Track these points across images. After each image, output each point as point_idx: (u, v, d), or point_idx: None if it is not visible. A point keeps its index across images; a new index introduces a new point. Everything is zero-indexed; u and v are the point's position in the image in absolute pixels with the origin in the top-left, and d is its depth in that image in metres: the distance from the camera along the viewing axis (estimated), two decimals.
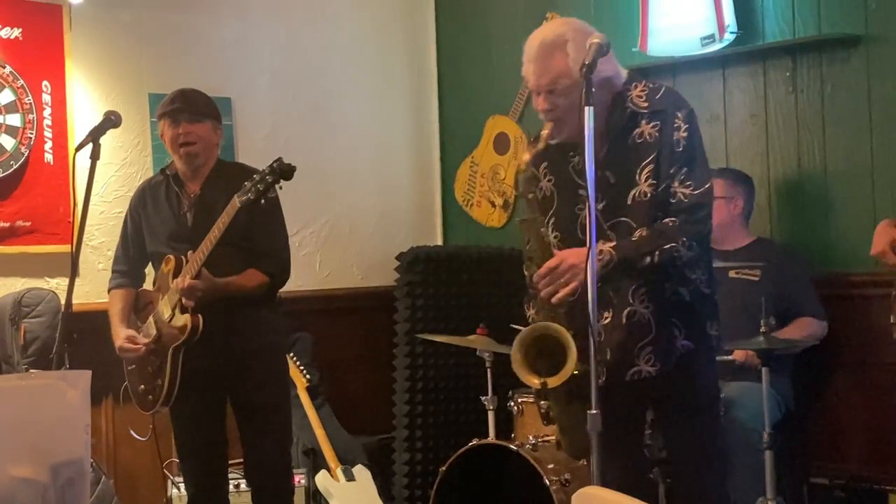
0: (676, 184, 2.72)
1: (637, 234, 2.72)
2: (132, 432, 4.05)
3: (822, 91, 4.15)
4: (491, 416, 4.12)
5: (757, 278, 3.97)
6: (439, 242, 5.54)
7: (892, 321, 2.90)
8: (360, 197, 5.32)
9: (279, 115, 5.07)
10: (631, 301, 2.77)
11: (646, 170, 2.74)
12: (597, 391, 2.54)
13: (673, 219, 2.71)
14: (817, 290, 4.02)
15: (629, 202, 2.76)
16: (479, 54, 5.39)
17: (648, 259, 2.69)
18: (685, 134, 2.74)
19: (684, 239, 2.70)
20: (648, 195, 2.74)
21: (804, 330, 3.92)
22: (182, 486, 3.83)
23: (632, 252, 2.69)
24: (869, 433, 4.05)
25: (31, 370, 4.09)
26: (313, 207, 5.09)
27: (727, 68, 4.37)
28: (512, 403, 4.11)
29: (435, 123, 5.58)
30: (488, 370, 4.12)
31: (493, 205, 5.35)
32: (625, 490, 2.60)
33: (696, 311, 2.83)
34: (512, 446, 3.78)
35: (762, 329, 3.56)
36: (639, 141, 2.76)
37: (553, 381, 2.69)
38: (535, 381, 2.69)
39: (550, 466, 3.66)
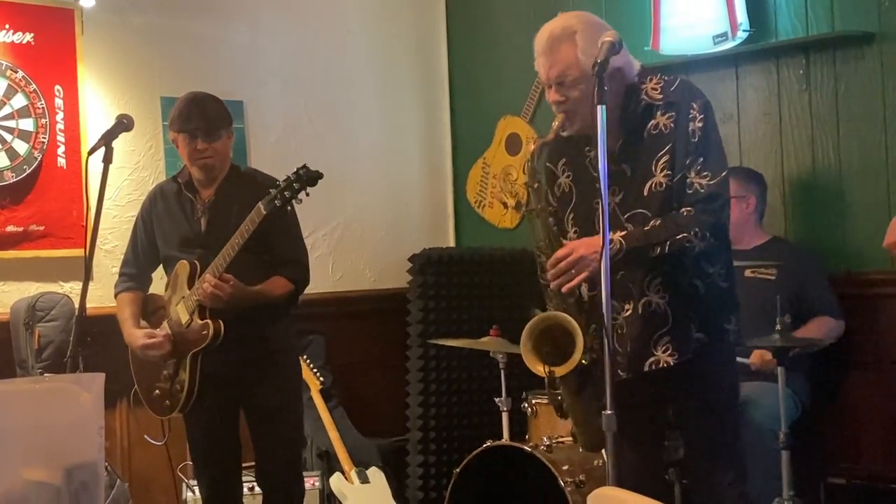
0: (692, 174, 2.71)
1: (650, 223, 2.71)
2: (147, 437, 4.05)
3: (835, 89, 4.12)
4: (505, 417, 4.10)
5: (773, 277, 3.95)
6: (452, 244, 5.53)
7: None
8: (372, 199, 5.32)
9: (290, 119, 5.07)
10: (646, 291, 2.76)
11: (661, 161, 2.74)
12: (612, 390, 2.53)
13: (689, 209, 2.70)
14: (833, 289, 3.99)
15: (645, 193, 2.75)
16: (489, 55, 5.38)
17: (659, 249, 2.68)
18: (700, 124, 2.73)
19: (697, 229, 2.68)
20: (664, 185, 2.73)
21: (821, 329, 3.90)
22: (196, 489, 3.83)
23: (642, 241, 2.68)
24: (886, 432, 4.02)
25: (46, 374, 4.10)
26: (325, 210, 5.08)
27: (740, 66, 4.35)
28: (526, 405, 4.09)
29: (446, 125, 5.57)
30: (502, 371, 4.11)
31: (506, 206, 5.34)
32: (640, 490, 2.59)
33: (712, 305, 2.81)
34: (526, 447, 3.77)
35: (778, 328, 3.54)
36: (654, 133, 2.76)
37: (560, 371, 2.67)
38: (540, 369, 2.67)
39: (565, 468, 3.65)
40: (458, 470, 3.94)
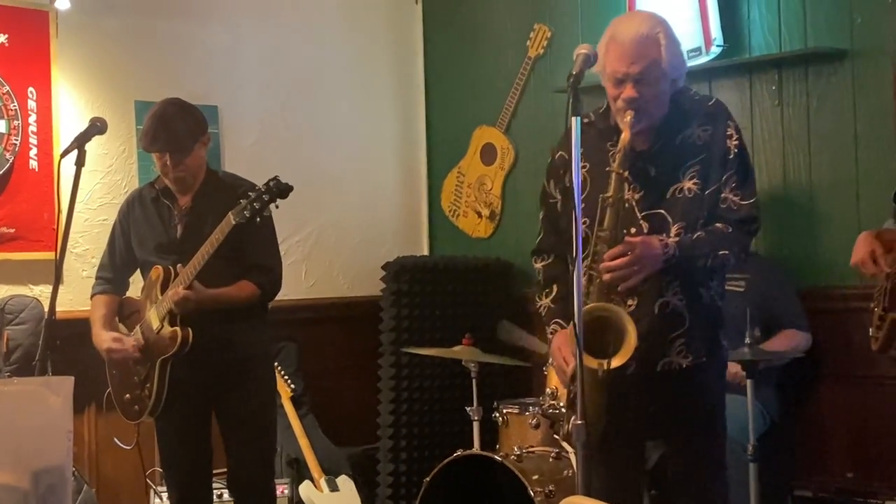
0: (727, 190, 2.78)
1: (696, 235, 2.75)
2: (116, 441, 4.02)
3: (807, 104, 4.16)
4: (476, 426, 4.10)
5: (742, 290, 3.98)
6: (425, 252, 5.54)
7: (870, 334, 2.91)
8: (347, 206, 5.31)
9: (266, 124, 5.06)
10: (664, 292, 2.78)
11: (690, 169, 2.79)
12: (582, 403, 2.55)
13: (726, 226, 2.76)
14: (802, 303, 4.03)
15: (668, 196, 2.80)
16: (466, 64, 5.39)
17: (703, 261, 2.74)
18: (737, 143, 2.81)
19: (737, 248, 2.77)
20: (692, 193, 2.78)
21: (789, 342, 3.93)
22: (165, 495, 3.81)
23: (691, 251, 2.73)
24: (853, 445, 4.05)
25: (14, 378, 4.06)
26: (300, 216, 5.07)
27: (713, 81, 4.38)
28: (497, 414, 4.10)
29: (422, 133, 5.58)
30: (473, 380, 4.11)
31: (480, 215, 5.35)
32: (615, 496, 2.61)
33: (712, 320, 2.86)
34: (496, 457, 3.77)
35: (747, 341, 3.57)
36: (688, 141, 2.82)
37: (616, 361, 2.65)
38: (594, 363, 2.65)
39: (535, 477, 3.65)
40: (428, 479, 3.93)
